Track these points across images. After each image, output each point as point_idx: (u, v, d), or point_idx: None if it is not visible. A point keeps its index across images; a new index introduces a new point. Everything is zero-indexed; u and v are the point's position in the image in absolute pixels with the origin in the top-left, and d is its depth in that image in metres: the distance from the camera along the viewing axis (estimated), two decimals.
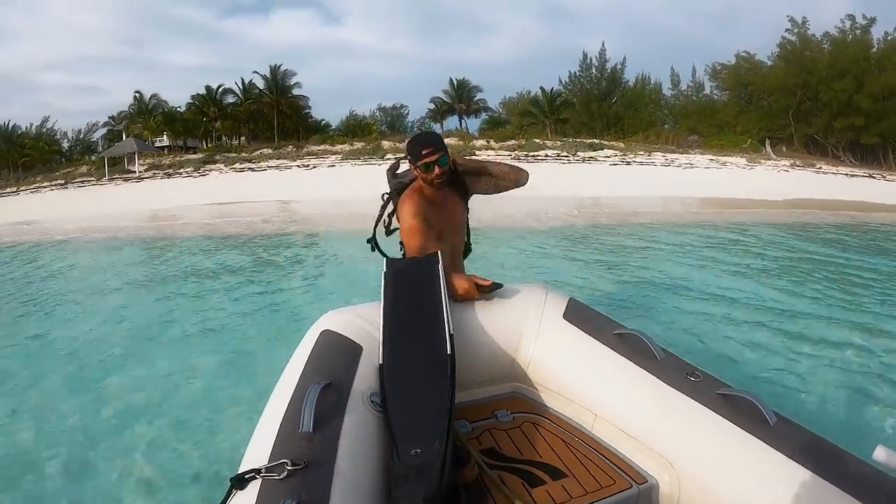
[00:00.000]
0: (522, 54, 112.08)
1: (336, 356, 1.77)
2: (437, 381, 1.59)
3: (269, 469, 1.24)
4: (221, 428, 3.30)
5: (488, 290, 2.12)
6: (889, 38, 38.53)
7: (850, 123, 36.76)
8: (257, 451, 1.38)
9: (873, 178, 31.24)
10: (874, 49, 39.00)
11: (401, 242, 2.55)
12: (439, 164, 2.30)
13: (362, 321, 1.94)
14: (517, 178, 2.54)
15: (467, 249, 2.82)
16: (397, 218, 2.45)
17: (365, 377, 1.69)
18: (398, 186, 2.55)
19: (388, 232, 2.65)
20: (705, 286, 6.46)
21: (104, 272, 8.78)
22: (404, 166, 2.61)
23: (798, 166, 32.35)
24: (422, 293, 1.88)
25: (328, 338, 1.86)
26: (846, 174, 31.72)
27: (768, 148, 36.57)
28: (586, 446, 1.82)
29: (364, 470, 1.40)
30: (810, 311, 5.56)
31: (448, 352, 1.65)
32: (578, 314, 2.12)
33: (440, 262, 1.96)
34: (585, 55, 48.86)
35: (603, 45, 53.90)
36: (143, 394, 3.80)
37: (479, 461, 1.71)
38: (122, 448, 3.13)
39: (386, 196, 2.62)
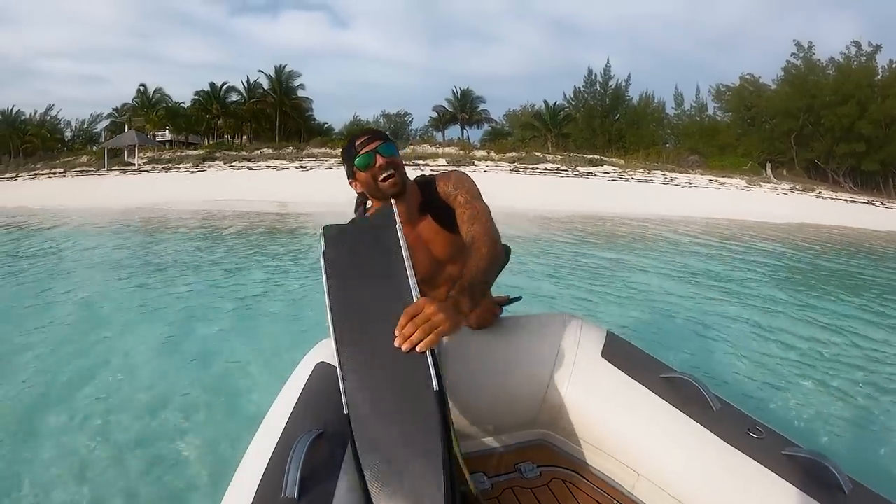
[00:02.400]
0: (527, 68, 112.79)
1: (332, 397, 1.41)
2: (424, 425, 1.18)
3: None
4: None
5: (507, 303, 1.87)
6: (894, 65, 38.89)
7: (852, 149, 36.96)
8: None
9: (873, 204, 31.41)
10: (878, 76, 39.36)
11: None
12: (382, 152, 1.66)
13: None
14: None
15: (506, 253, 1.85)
16: None
17: None
18: None
19: None
20: (728, 313, 6.13)
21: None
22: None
23: (798, 190, 32.54)
24: (380, 273, 1.36)
25: (323, 373, 1.54)
26: (846, 200, 31.93)
27: (769, 171, 36.68)
28: None
29: None
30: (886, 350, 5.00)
31: (433, 384, 1.19)
32: (619, 352, 1.83)
33: (395, 212, 1.43)
34: (590, 71, 49.32)
35: (608, 62, 54.04)
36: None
37: None
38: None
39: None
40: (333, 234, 1.48)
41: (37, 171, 38.95)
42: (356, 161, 1.66)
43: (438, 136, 52.88)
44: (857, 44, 40.40)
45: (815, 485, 1.33)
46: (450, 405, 1.50)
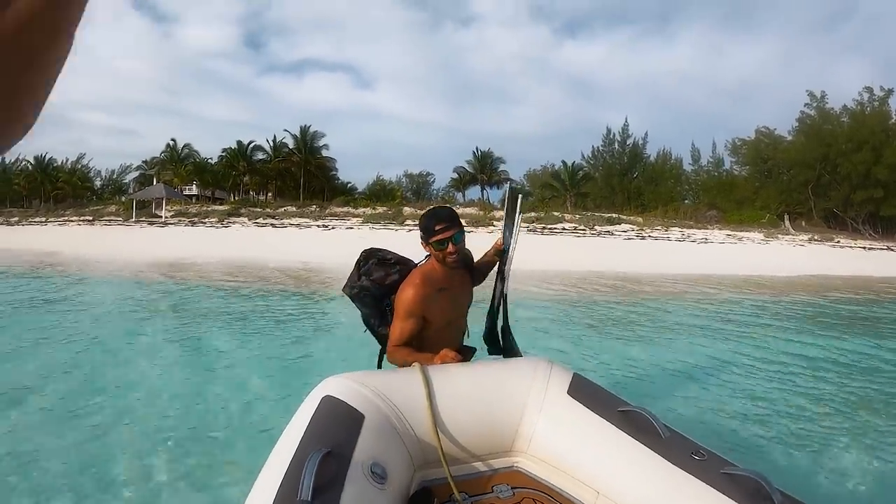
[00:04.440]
0: (547, 127, 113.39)
1: (337, 424, 1.73)
2: None
3: None
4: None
5: (468, 353, 2.38)
6: None
7: (869, 195, 36.71)
8: None
9: (892, 250, 30.88)
10: (892, 119, 39.28)
11: (370, 328, 2.56)
12: (454, 241, 2.22)
13: (364, 388, 1.89)
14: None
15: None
16: (395, 307, 2.33)
17: (366, 447, 1.66)
18: (361, 290, 2.48)
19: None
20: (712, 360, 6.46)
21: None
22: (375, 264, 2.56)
23: (816, 241, 32.03)
24: None
25: (329, 404, 1.81)
26: (864, 248, 31.46)
27: (787, 223, 36.37)
28: None
29: None
30: (819, 386, 5.49)
31: None
32: (583, 390, 2.10)
33: None
34: (609, 130, 50.23)
35: (626, 121, 54.85)
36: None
37: None
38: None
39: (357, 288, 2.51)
40: None
41: (66, 217, 39.87)
42: (433, 243, 2.23)
43: (459, 196, 54.06)
44: (870, 89, 40.66)
45: (750, 499, 1.55)
46: (439, 434, 1.91)
